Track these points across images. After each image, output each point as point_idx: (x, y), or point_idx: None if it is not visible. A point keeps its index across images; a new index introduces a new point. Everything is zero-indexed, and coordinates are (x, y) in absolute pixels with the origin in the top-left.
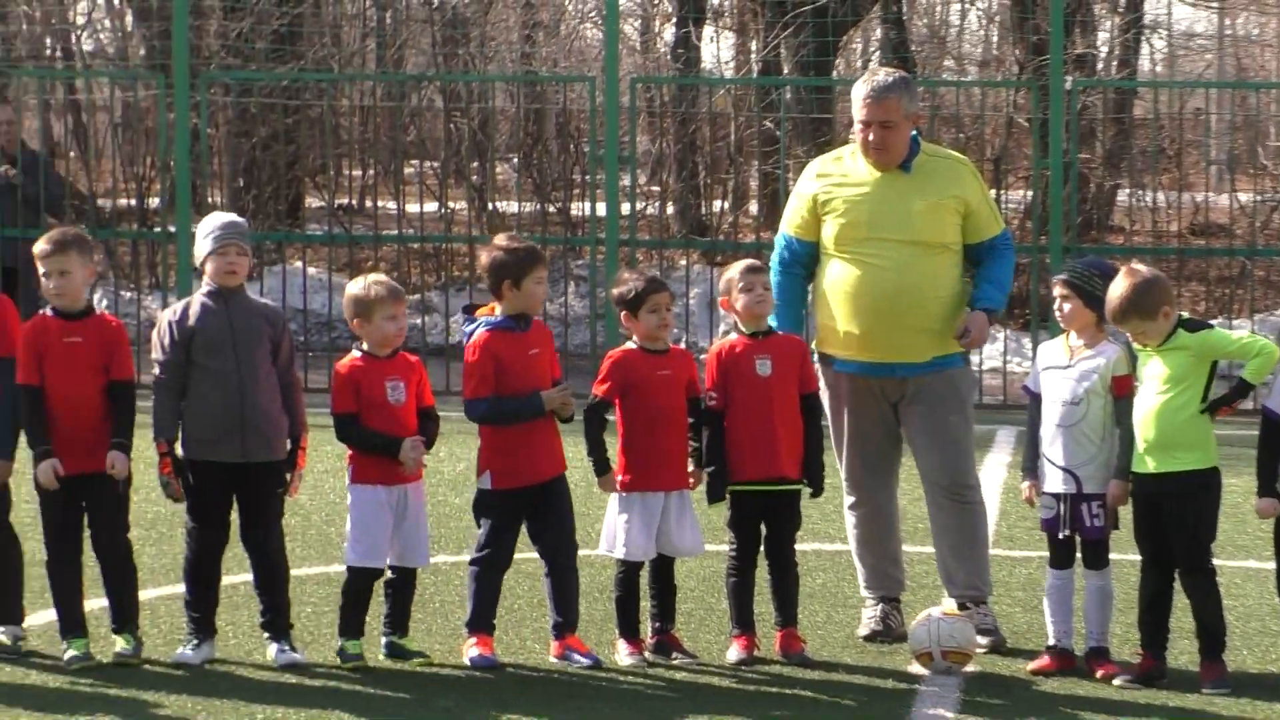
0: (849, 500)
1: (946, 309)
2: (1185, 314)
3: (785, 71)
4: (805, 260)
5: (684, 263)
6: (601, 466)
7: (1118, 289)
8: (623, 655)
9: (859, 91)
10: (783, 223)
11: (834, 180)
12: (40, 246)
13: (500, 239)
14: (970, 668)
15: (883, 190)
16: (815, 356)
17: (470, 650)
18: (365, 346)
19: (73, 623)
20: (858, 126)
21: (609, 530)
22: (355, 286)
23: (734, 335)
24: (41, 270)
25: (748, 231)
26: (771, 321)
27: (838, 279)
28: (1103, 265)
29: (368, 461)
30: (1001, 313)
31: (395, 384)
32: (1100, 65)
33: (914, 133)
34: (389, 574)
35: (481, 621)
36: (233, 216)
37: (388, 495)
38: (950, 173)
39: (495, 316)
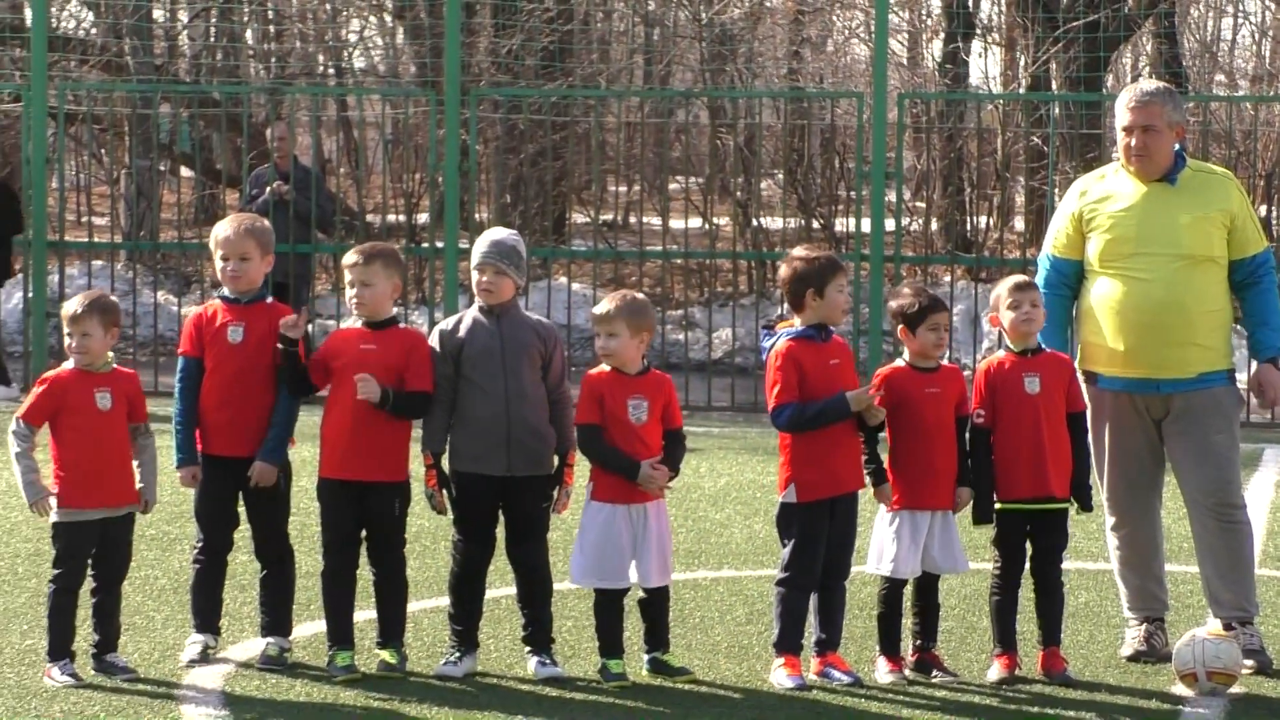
0: (1111, 520)
1: (1213, 323)
2: None
3: (1054, 86)
4: (1070, 280)
5: (948, 279)
6: (878, 477)
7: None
8: (882, 673)
9: (1122, 99)
10: (1046, 243)
11: (1098, 197)
12: (349, 256)
13: (798, 250)
14: (1236, 689)
15: (1148, 204)
16: (1079, 375)
17: (777, 672)
18: (606, 364)
19: (342, 634)
20: (1120, 135)
21: (876, 546)
22: (599, 305)
23: (1001, 352)
24: (347, 279)
25: (1013, 248)
26: (1039, 340)
27: (1104, 295)
28: None
29: (608, 479)
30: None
31: (638, 402)
32: None
33: (1178, 147)
34: (640, 593)
35: (792, 644)
36: (502, 235)
37: (627, 514)
38: (1216, 187)
39: (796, 327)
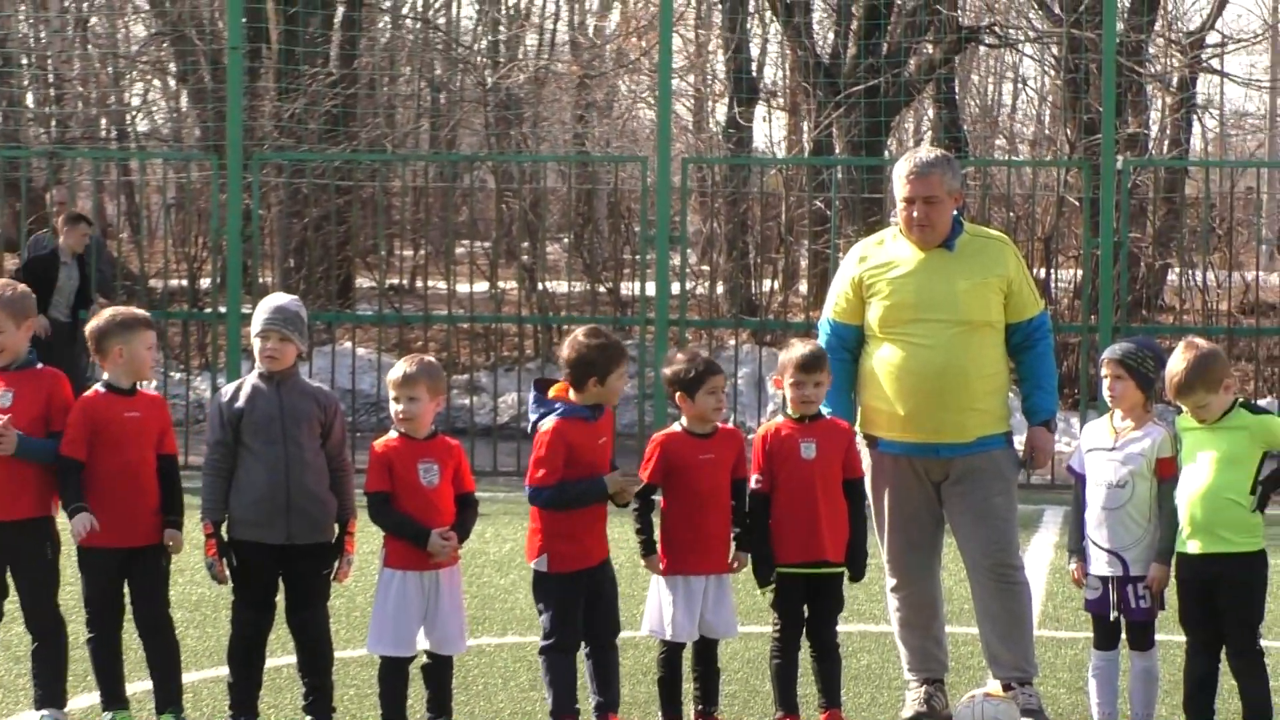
0: (891, 582)
1: (991, 387)
2: (1241, 397)
3: (837, 151)
4: (851, 344)
5: (733, 342)
6: (648, 547)
7: (1180, 362)
8: None
9: (901, 169)
10: (826, 308)
11: (877, 263)
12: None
13: (582, 333)
14: None
15: (927, 270)
16: (859, 438)
17: None
18: (403, 428)
19: (114, 696)
20: (900, 204)
21: (652, 611)
22: (397, 369)
23: (780, 418)
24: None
25: (797, 311)
26: (823, 408)
27: (884, 360)
28: (1154, 346)
29: (400, 546)
30: (1055, 415)
31: (429, 466)
32: (1151, 145)
33: (955, 212)
34: (424, 659)
35: (565, 707)
36: (284, 301)
37: (419, 581)
38: (994, 252)
39: (571, 403)
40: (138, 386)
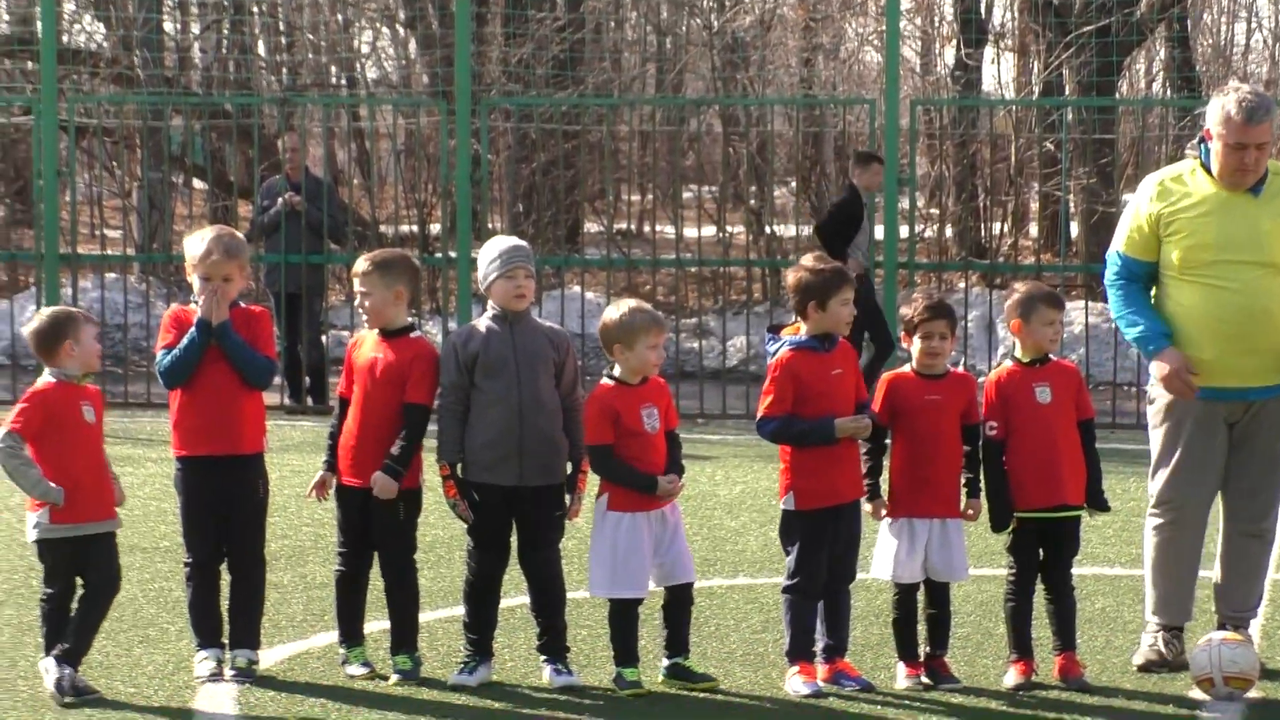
0: (1158, 521)
1: None
2: None
3: (1067, 92)
4: (1144, 279)
5: (962, 285)
6: (873, 491)
7: None
8: (900, 678)
9: (1230, 110)
10: (1117, 241)
11: (1177, 200)
12: (356, 265)
13: (808, 259)
14: (1253, 693)
15: (1229, 209)
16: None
17: (792, 680)
18: (618, 373)
19: (353, 633)
20: (1221, 146)
21: (879, 553)
22: (616, 312)
23: (1009, 363)
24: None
25: (1027, 253)
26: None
27: (1185, 304)
28: None
29: (624, 490)
30: None
31: (650, 411)
32: None
33: None
34: (662, 598)
35: (803, 650)
36: (516, 240)
37: (646, 521)
38: None
39: (800, 336)
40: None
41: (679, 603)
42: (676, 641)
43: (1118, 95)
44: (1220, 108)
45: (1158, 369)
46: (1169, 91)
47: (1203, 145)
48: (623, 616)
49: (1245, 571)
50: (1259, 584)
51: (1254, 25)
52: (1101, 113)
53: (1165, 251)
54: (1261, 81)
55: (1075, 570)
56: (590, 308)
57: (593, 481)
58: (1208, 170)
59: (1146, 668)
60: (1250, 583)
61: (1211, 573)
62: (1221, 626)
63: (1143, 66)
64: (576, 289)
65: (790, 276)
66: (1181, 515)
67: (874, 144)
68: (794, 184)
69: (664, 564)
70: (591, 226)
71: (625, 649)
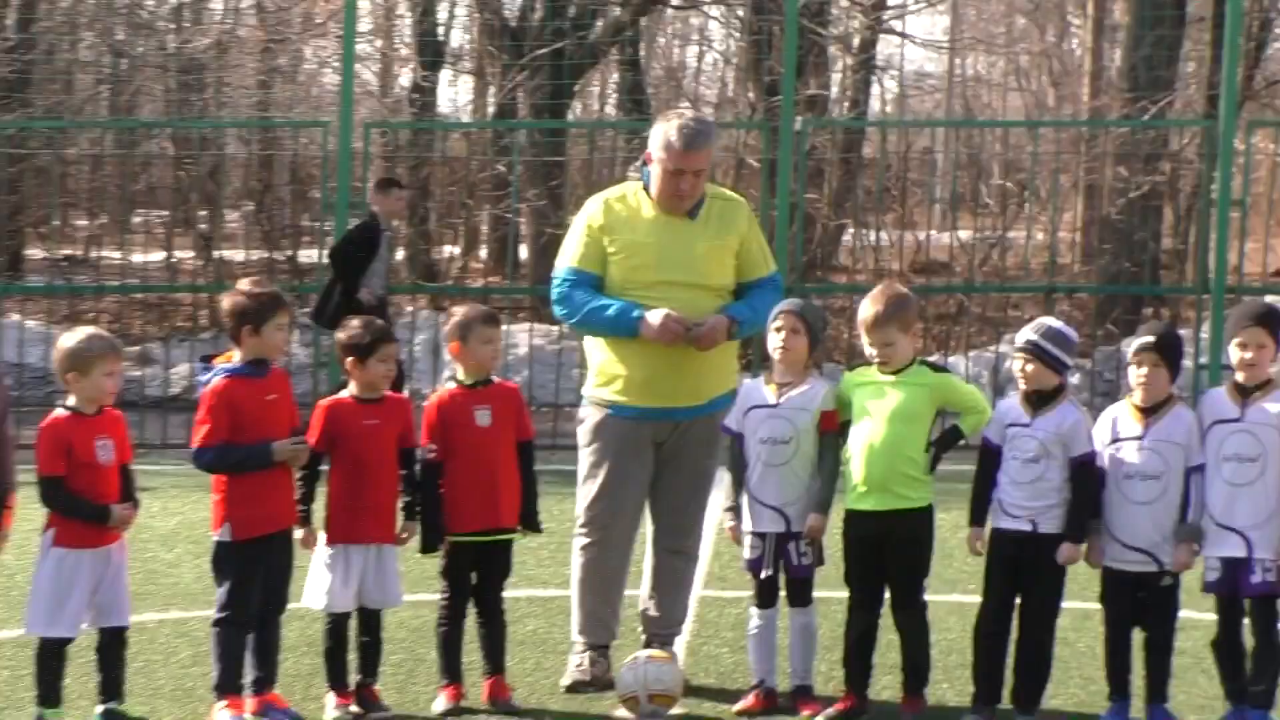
0: (584, 541)
1: (723, 351)
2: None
3: (521, 115)
4: (592, 289)
5: (410, 309)
6: (306, 518)
7: (877, 298)
8: (330, 709)
9: (671, 138)
10: (566, 258)
11: (619, 220)
12: None
13: (244, 283)
14: (676, 710)
15: (667, 233)
16: (587, 400)
17: (220, 713)
18: (73, 403)
19: None
20: (659, 170)
21: (311, 581)
22: (71, 339)
23: (451, 385)
24: None
25: (477, 275)
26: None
27: None
28: (820, 310)
29: (73, 524)
30: (741, 331)
31: (105, 442)
32: (831, 106)
33: None
34: (96, 639)
35: (231, 683)
36: None
37: (91, 560)
38: (730, 213)
39: (233, 363)
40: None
41: (113, 645)
42: (110, 685)
43: (571, 117)
44: (662, 133)
45: (649, 326)
46: (620, 114)
47: (645, 168)
48: (52, 656)
49: (670, 589)
50: (683, 602)
51: (704, 48)
52: (553, 135)
53: (610, 270)
54: (712, 104)
55: (509, 592)
56: (32, 336)
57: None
58: (649, 192)
59: (574, 688)
60: (675, 601)
61: (639, 591)
62: (648, 645)
63: (597, 89)
64: (16, 317)
65: (226, 301)
66: (607, 535)
67: (326, 167)
68: (248, 208)
69: (101, 604)
70: (37, 253)
71: (50, 690)
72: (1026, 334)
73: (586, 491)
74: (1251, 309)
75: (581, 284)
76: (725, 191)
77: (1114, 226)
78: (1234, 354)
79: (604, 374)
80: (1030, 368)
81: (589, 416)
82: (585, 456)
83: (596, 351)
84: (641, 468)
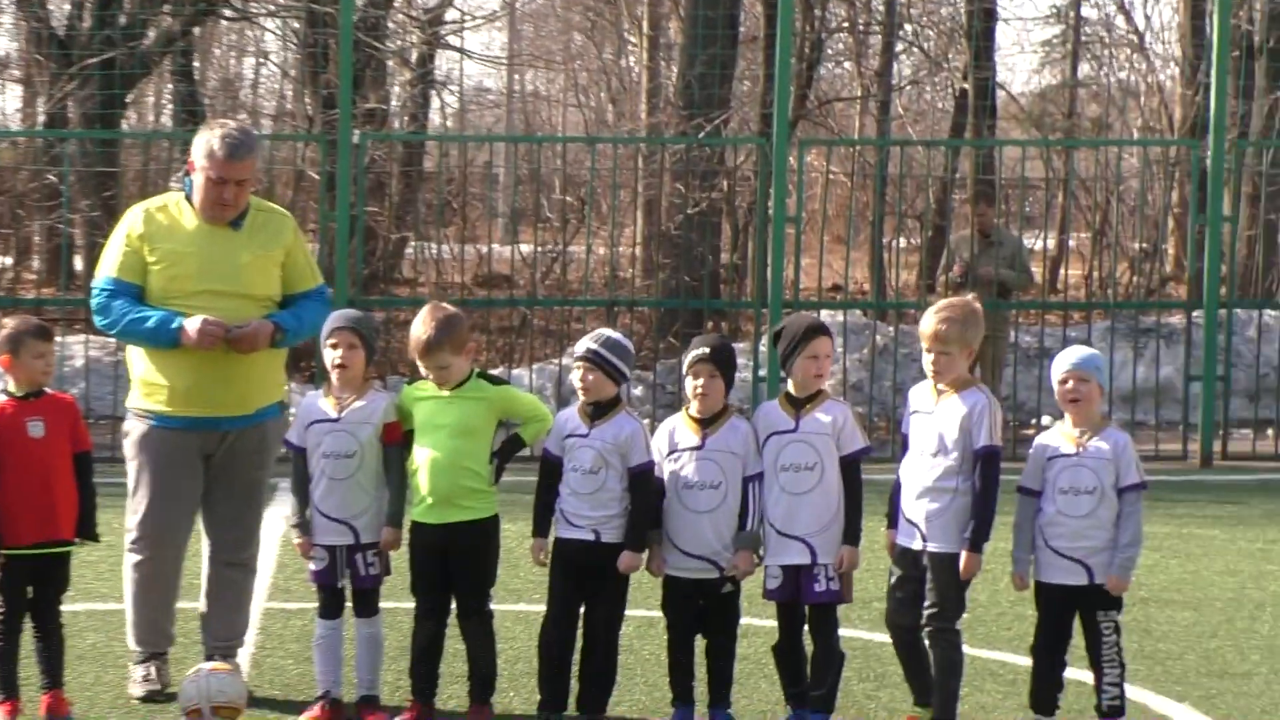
0: (135, 556)
1: (270, 361)
2: (477, 368)
3: (72, 124)
4: (133, 300)
5: None
6: None
7: (426, 322)
8: None
9: (213, 147)
10: (107, 268)
11: (160, 230)
12: None
13: None
14: None
15: (210, 243)
16: (131, 412)
17: None
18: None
19: None
20: (201, 180)
21: None
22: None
23: (3, 397)
24: None
25: (30, 287)
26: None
27: None
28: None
29: None
30: (286, 339)
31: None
32: (392, 120)
33: None
34: None
35: None
36: None
37: None
38: (275, 225)
39: None
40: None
41: None
42: None
43: (125, 127)
44: (205, 143)
45: (188, 334)
46: (175, 125)
47: (187, 178)
48: None
49: (230, 602)
50: (244, 613)
51: (261, 61)
52: (106, 145)
53: (150, 280)
54: (270, 115)
55: (67, 606)
56: None
57: None
58: (191, 202)
59: (148, 698)
60: (235, 612)
61: (199, 603)
62: (210, 657)
63: (152, 99)
64: None
65: None
66: (158, 548)
67: None
68: None
69: None
70: None
71: None
72: (586, 343)
73: (135, 505)
74: (798, 322)
75: (121, 294)
76: (269, 205)
77: (673, 241)
78: (800, 367)
79: (146, 384)
80: (591, 376)
81: (133, 428)
82: (132, 470)
83: (139, 362)
84: (190, 479)
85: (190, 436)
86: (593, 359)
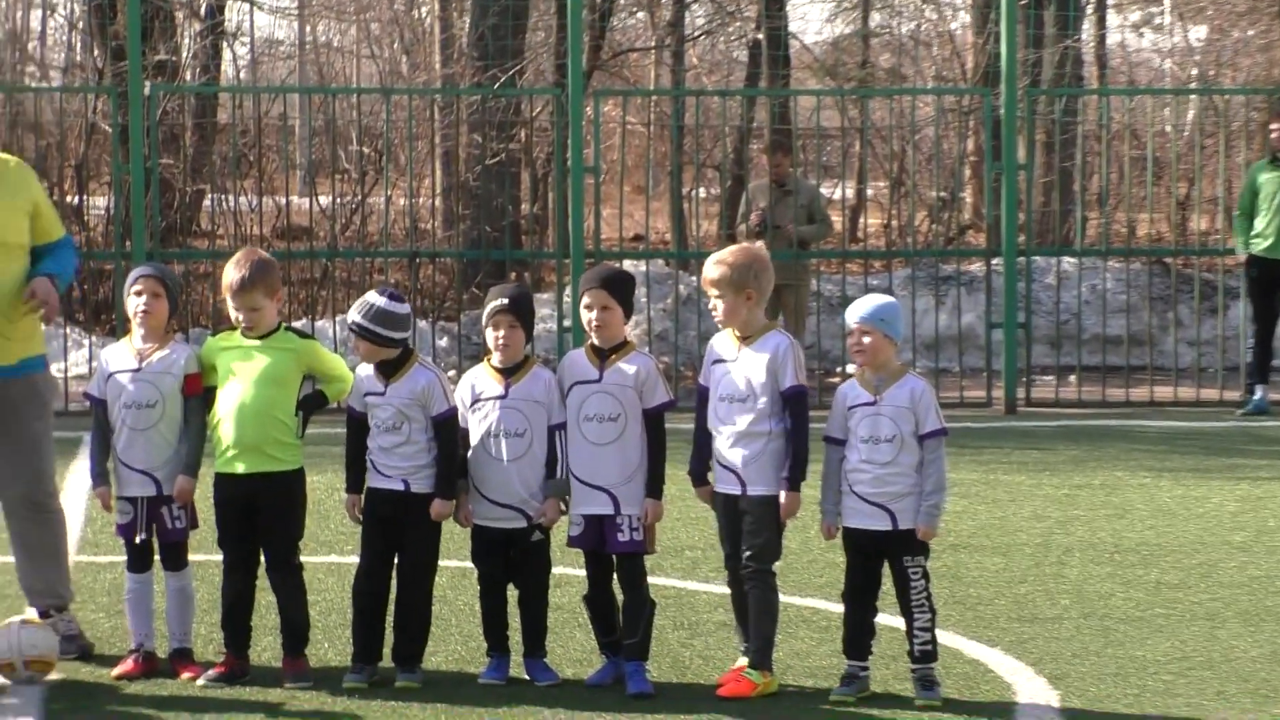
0: None
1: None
2: (283, 322)
3: None
4: None
5: None
6: None
7: (241, 265)
8: None
9: None
10: None
11: None
12: None
13: None
14: (54, 676)
15: None
16: None
17: None
18: None
19: None
20: None
21: None
22: None
23: None
24: None
25: None
26: None
27: None
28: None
29: None
30: (61, 286)
31: None
32: (186, 72)
33: None
34: None
35: None
36: None
37: None
38: (20, 176)
39: None
40: None
41: None
42: None
43: None
44: None
45: None
46: None
47: None
48: None
49: (36, 553)
50: (57, 566)
51: (48, 12)
52: None
53: None
54: (60, 68)
55: None
56: None
57: None
58: None
59: None
60: (44, 565)
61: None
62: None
63: None
64: None
65: None
66: None
67: None
68: None
69: None
70: None
71: None
72: (352, 315)
73: None
74: (596, 272)
75: None
76: (6, 156)
77: (473, 193)
78: (583, 315)
79: None
80: (363, 346)
81: None
82: None
83: None
84: None
85: None
86: (357, 331)
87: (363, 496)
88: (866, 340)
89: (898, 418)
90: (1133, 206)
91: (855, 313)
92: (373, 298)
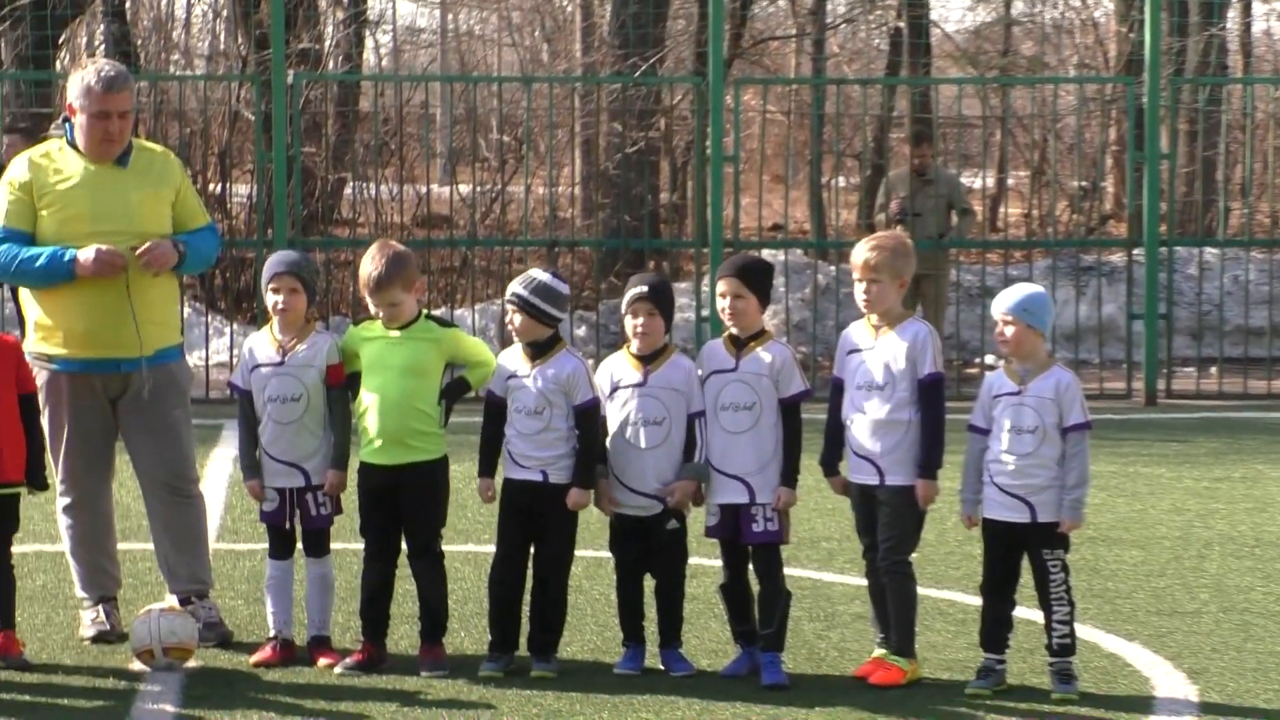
0: (65, 501)
1: (168, 299)
2: (425, 311)
3: (4, 65)
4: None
5: None
6: None
7: (376, 261)
8: None
9: (89, 83)
10: None
11: (47, 174)
12: None
13: None
14: (193, 663)
15: (99, 183)
16: (32, 357)
17: None
18: None
19: None
20: (84, 120)
21: None
22: None
23: None
24: None
25: None
26: None
27: None
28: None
29: None
30: (187, 262)
31: None
32: (329, 60)
33: None
34: None
35: None
36: None
37: None
38: (160, 164)
39: None
40: None
41: None
42: None
43: (58, 68)
44: (80, 81)
45: (85, 265)
46: None
47: (67, 123)
48: None
49: (178, 539)
50: (198, 553)
51: (193, 1)
52: (39, 86)
53: (43, 226)
54: (204, 56)
55: (17, 548)
56: None
57: None
58: (75, 146)
59: (99, 639)
60: (186, 551)
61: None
62: (186, 601)
63: (84, 40)
64: None
65: None
66: (83, 491)
67: None
68: None
69: None
70: None
71: None
72: (514, 286)
73: (55, 451)
74: (732, 261)
75: (10, 240)
76: (151, 145)
77: (612, 181)
78: (719, 304)
79: (42, 328)
80: (519, 319)
81: (37, 375)
82: (45, 416)
83: (32, 306)
84: (97, 419)
85: (91, 379)
86: (517, 303)
87: (496, 483)
88: (1009, 331)
89: (1041, 409)
90: (1276, 197)
91: (1000, 303)
92: (536, 273)
